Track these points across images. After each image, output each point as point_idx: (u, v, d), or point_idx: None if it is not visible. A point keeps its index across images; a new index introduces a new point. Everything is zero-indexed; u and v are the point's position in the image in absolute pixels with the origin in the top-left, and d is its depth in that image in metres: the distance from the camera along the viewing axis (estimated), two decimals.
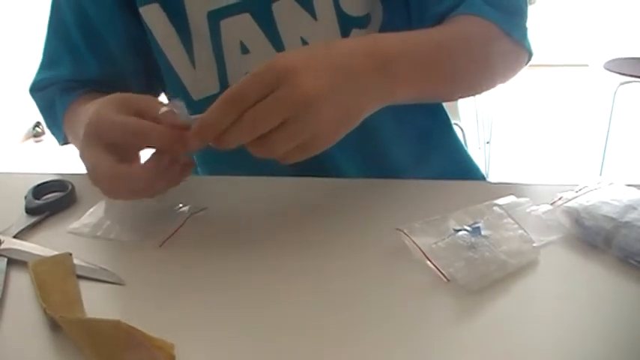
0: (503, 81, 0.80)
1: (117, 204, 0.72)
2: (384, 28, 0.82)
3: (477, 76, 0.77)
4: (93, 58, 0.87)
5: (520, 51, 0.80)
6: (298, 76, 0.54)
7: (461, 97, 0.81)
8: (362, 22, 0.81)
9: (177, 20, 0.81)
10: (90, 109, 0.65)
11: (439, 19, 0.76)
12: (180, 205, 0.71)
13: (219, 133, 0.55)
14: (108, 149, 0.60)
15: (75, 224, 0.70)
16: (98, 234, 0.68)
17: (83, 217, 0.71)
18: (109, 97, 0.64)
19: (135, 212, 0.71)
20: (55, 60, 0.90)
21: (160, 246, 0.65)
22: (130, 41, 0.86)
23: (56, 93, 0.88)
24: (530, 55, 0.81)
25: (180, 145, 0.58)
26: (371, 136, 0.85)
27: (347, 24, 0.80)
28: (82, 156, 0.64)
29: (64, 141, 0.90)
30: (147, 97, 0.64)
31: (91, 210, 0.72)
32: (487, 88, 0.81)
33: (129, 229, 0.68)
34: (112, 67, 0.87)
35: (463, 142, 2.23)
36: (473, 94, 0.83)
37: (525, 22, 0.79)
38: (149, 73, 0.89)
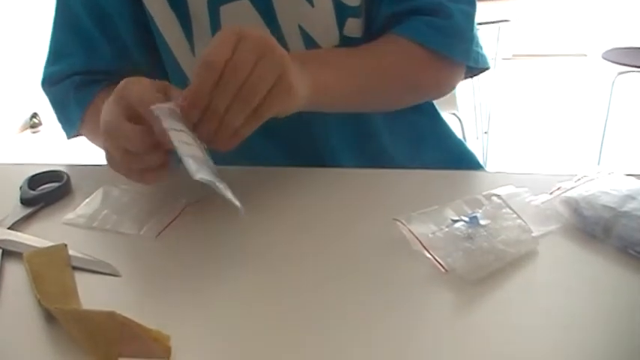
0: (436, 96, 0.91)
1: (114, 194, 0.72)
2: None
3: (406, 94, 0.86)
4: (106, 43, 0.86)
5: (458, 68, 0.87)
6: (255, 31, 0.62)
7: (391, 108, 0.89)
8: (356, 12, 0.82)
9: (177, 6, 0.81)
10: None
11: (387, 20, 0.82)
12: (177, 195, 0.71)
13: (207, 95, 0.60)
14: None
15: (70, 215, 0.70)
16: (94, 225, 0.68)
17: (78, 208, 0.71)
18: (114, 98, 0.65)
19: (131, 202, 0.70)
20: (66, 52, 0.89)
21: (157, 237, 0.65)
22: (139, 26, 0.85)
23: (70, 90, 0.87)
24: (485, 69, 0.89)
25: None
26: (367, 130, 0.89)
27: (343, 13, 0.81)
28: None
29: (73, 135, 0.90)
30: (140, 89, 0.64)
31: (87, 200, 0.72)
32: (418, 102, 0.91)
33: (125, 219, 0.68)
34: (125, 53, 0.87)
35: (461, 132, 2.24)
36: (403, 107, 0.90)
37: (469, 43, 0.84)
38: (160, 58, 0.89)
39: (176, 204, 0.70)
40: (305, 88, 0.67)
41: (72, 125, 0.88)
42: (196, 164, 0.57)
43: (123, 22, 0.85)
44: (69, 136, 0.91)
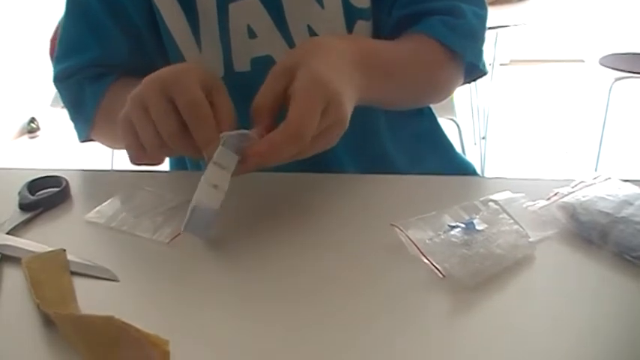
0: (446, 96, 0.91)
1: (134, 196, 0.72)
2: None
3: (427, 92, 0.88)
4: (121, 35, 0.85)
5: (463, 68, 0.87)
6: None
7: (410, 107, 0.91)
8: (365, 14, 0.82)
9: (185, 1, 0.81)
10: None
11: (399, 23, 0.83)
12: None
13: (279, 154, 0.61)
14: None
15: (92, 213, 0.70)
16: (112, 225, 0.68)
17: (100, 206, 0.71)
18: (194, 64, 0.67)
19: (150, 206, 0.70)
20: (80, 46, 0.87)
21: (169, 242, 0.65)
22: (153, 17, 0.85)
23: (84, 82, 0.86)
24: (484, 73, 0.89)
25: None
26: (369, 138, 0.89)
27: (352, 15, 0.81)
28: (132, 95, 0.64)
29: (85, 137, 0.88)
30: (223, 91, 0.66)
31: (110, 200, 0.72)
32: (432, 102, 0.95)
33: (142, 222, 0.68)
34: (140, 46, 0.86)
35: (459, 138, 2.24)
36: (420, 106, 0.95)
37: (481, 45, 0.86)
38: None
39: None
40: (359, 91, 0.68)
41: (85, 122, 0.86)
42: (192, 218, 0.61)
43: (137, 13, 0.84)
44: (81, 138, 0.89)
